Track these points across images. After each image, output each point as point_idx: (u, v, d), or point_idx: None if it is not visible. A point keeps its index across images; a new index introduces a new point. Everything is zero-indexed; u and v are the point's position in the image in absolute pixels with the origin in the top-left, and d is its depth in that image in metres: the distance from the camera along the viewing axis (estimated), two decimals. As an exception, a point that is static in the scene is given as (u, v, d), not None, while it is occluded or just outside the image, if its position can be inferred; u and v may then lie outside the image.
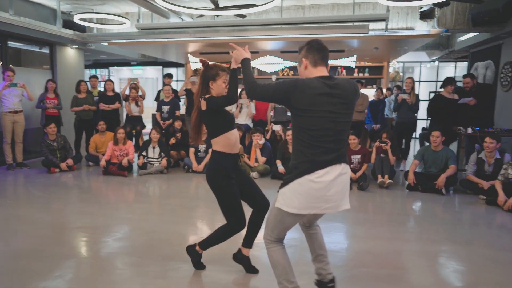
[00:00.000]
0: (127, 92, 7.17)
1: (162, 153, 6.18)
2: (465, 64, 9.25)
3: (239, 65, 2.37)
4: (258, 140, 5.99)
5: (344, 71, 10.50)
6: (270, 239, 2.20)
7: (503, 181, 4.49)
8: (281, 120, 7.14)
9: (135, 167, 6.28)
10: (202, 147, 6.23)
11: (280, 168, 5.73)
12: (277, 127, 6.43)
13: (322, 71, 2.08)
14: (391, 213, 4.34)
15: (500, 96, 6.56)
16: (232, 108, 7.05)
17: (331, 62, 9.61)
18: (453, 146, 6.36)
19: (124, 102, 7.29)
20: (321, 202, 2.00)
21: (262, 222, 2.65)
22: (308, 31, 6.77)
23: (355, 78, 10.24)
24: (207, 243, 2.74)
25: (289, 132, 5.77)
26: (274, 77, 10.36)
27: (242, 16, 6.56)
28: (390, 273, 2.77)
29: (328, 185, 1.98)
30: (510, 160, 4.61)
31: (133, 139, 7.20)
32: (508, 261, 3.00)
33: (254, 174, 5.82)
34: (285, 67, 10.15)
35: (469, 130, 5.43)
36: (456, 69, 10.60)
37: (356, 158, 5.56)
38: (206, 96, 2.54)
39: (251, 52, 8.18)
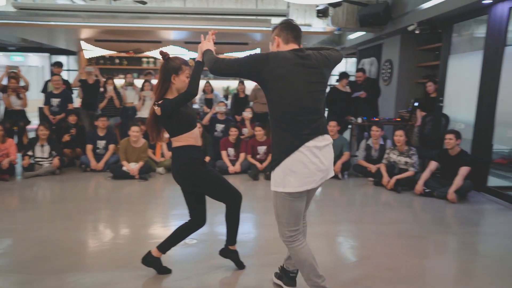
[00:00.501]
0: (4, 82, 6.31)
1: (53, 152, 5.52)
2: (354, 60, 10.21)
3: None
4: (164, 134, 5.81)
5: (247, 64, 10.75)
6: (290, 235, 2.10)
7: (386, 164, 5.12)
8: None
9: (19, 169, 5.49)
10: (101, 143, 5.83)
11: (188, 161, 5.66)
12: None
13: (294, 47, 2.06)
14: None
15: (382, 88, 7.42)
16: (134, 101, 6.73)
17: (235, 55, 9.76)
18: (346, 135, 7.02)
19: (1, 94, 6.40)
20: (314, 176, 1.99)
21: (239, 215, 2.62)
22: (212, 22, 6.76)
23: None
24: (168, 244, 2.63)
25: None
26: (177, 68, 10.13)
27: (143, 2, 6.27)
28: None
29: (316, 156, 1.98)
30: (391, 145, 5.26)
31: (15, 137, 6.28)
32: (392, 233, 3.44)
33: (160, 170, 5.66)
34: (190, 58, 9.98)
35: (359, 120, 6.06)
36: (346, 65, 11.62)
37: (262, 149, 5.78)
38: (159, 102, 2.38)
39: (153, 42, 7.85)
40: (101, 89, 6.53)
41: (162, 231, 3.50)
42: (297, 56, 1.99)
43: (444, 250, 3.23)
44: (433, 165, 4.68)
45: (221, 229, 3.49)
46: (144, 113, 6.54)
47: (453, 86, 5.47)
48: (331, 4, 6.04)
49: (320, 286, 2.13)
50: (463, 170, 4.35)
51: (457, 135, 4.48)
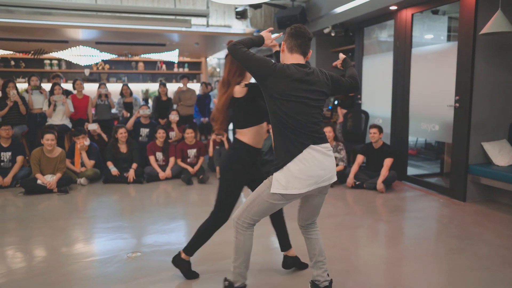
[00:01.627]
0: None
1: None
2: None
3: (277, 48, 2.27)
4: (84, 141, 5.30)
5: (164, 66, 10.38)
6: (248, 223, 2.15)
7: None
8: (104, 118, 6.53)
9: None
10: (5, 155, 5.09)
11: (114, 170, 5.25)
12: (94, 126, 5.82)
13: (298, 59, 2.09)
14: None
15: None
16: (43, 107, 6.02)
17: (150, 56, 9.35)
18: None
19: None
20: (316, 177, 2.04)
21: (211, 233, 2.51)
22: (127, 21, 6.37)
23: (175, 73, 10.28)
24: (192, 247, 2.52)
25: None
26: (87, 71, 9.35)
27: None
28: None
29: (318, 160, 2.04)
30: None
31: None
32: (330, 226, 3.59)
33: (82, 180, 5.14)
34: (101, 60, 9.28)
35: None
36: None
37: (192, 152, 5.61)
38: (246, 83, 2.29)
39: (58, 42, 7.13)
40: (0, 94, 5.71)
41: (95, 247, 3.17)
42: (300, 72, 2.03)
43: (380, 237, 3.47)
44: (360, 158, 5.02)
45: (164, 239, 3.30)
46: (55, 119, 5.88)
47: (369, 85, 5.94)
48: (252, 6, 6.11)
49: (245, 277, 2.24)
50: (388, 161, 4.74)
51: (380, 129, 4.87)
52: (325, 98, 2.14)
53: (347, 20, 5.84)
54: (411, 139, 6.94)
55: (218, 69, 11.69)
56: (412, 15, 4.91)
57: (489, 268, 2.73)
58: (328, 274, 2.30)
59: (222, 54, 10.98)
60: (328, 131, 5.18)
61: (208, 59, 11.01)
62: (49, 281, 2.56)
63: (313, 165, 2.03)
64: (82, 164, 5.35)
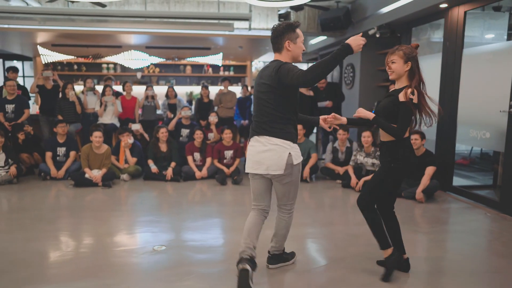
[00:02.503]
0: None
1: (9, 160, 5.22)
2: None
3: None
4: (128, 139, 5.58)
5: (210, 69, 10.64)
6: (252, 206, 2.62)
7: (354, 166, 5.17)
8: (150, 118, 6.83)
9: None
10: (61, 150, 5.50)
11: (153, 167, 5.46)
12: (137, 126, 6.08)
13: (275, 57, 2.42)
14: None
15: (345, 92, 7.56)
16: (96, 107, 6.43)
17: (197, 60, 9.62)
18: (312, 138, 7.06)
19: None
20: (252, 163, 2.43)
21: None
22: (173, 26, 6.61)
23: (221, 76, 10.49)
24: (396, 242, 2.65)
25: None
26: (139, 74, 9.84)
27: (102, 5, 6.01)
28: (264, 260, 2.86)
29: (256, 150, 2.40)
30: (358, 147, 5.33)
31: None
32: (362, 235, 3.43)
33: (124, 176, 5.40)
34: (151, 63, 9.73)
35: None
36: (309, 69, 11.79)
37: (229, 153, 5.67)
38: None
39: (113, 47, 7.58)
40: (60, 95, 6.19)
41: (127, 238, 3.31)
42: (263, 67, 2.43)
43: (416, 249, 3.25)
44: (398, 165, 4.76)
45: (190, 236, 3.37)
46: (106, 118, 6.26)
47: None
48: (293, 8, 6.07)
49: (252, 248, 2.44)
50: (429, 170, 4.45)
51: (422, 135, 4.60)
52: (271, 91, 2.31)
53: (393, 20, 5.61)
54: (465, 147, 6.49)
55: (264, 73, 11.74)
56: (465, 12, 4.60)
57: (531, 290, 2.46)
58: (278, 250, 2.68)
59: (267, 57, 11.03)
60: (367, 135, 5.01)
61: (253, 62, 11.11)
62: (78, 267, 2.71)
63: (251, 153, 2.42)
64: (126, 161, 5.62)
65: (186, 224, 3.67)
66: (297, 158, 2.39)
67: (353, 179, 4.98)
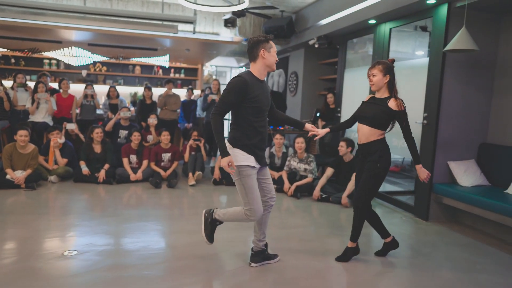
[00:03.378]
0: None
1: None
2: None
3: None
4: (58, 139, 5.37)
5: (160, 71, 10.50)
6: None
7: (288, 171, 5.31)
8: (88, 118, 6.61)
9: None
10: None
11: (84, 169, 5.29)
12: (72, 126, 5.84)
13: (251, 67, 2.65)
14: (198, 207, 4.53)
15: (289, 99, 7.75)
16: (26, 104, 6.13)
17: (145, 60, 9.46)
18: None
19: None
20: None
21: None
22: (116, 24, 6.46)
23: (171, 78, 10.39)
24: (353, 231, 3.03)
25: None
26: (84, 72, 9.50)
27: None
28: (187, 263, 2.88)
29: None
30: (292, 153, 5.48)
31: None
32: (292, 236, 3.54)
33: (52, 178, 5.18)
34: (95, 62, 9.44)
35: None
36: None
37: (166, 156, 5.62)
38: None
39: (53, 42, 7.22)
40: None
41: (38, 243, 3.16)
42: None
43: (335, 251, 3.38)
44: (329, 171, 4.96)
45: (107, 240, 3.30)
46: (38, 117, 5.97)
47: (348, 98, 5.90)
48: (235, 13, 6.16)
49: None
50: (355, 176, 4.65)
51: (348, 143, 4.81)
52: None
53: (331, 32, 5.84)
54: (398, 156, 6.85)
55: (214, 76, 11.77)
56: (390, 29, 4.88)
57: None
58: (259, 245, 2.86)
59: (218, 61, 11.07)
60: (300, 141, 5.15)
61: (204, 66, 11.10)
62: (20, 270, 2.57)
63: None
64: (56, 162, 5.40)
65: (106, 228, 3.59)
66: (241, 161, 2.56)
67: (286, 184, 5.11)
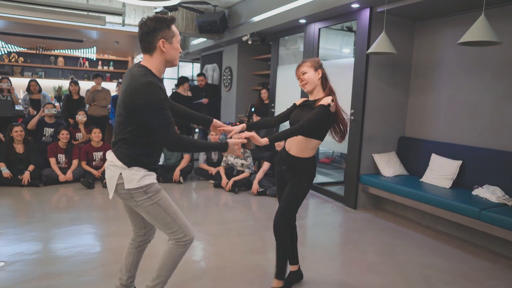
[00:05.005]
0: None
1: None
2: (199, 65, 10.46)
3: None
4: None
5: (87, 63, 9.90)
6: None
7: (225, 166, 5.39)
8: (6, 115, 6.04)
9: None
10: None
11: (5, 171, 4.87)
12: None
13: (144, 60, 1.98)
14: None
15: (224, 94, 7.80)
16: None
17: (69, 52, 8.87)
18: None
19: None
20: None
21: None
22: (35, 13, 5.96)
23: (98, 71, 9.85)
24: (279, 265, 2.52)
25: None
26: (-5, 63, 8.64)
27: None
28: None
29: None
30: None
31: None
32: (231, 232, 3.63)
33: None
34: (10, 52, 8.62)
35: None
36: (193, 69, 11.81)
37: (98, 154, 5.38)
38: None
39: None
40: None
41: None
42: (126, 72, 2.04)
43: (273, 244, 3.55)
44: (265, 165, 5.13)
45: (38, 247, 3.12)
46: None
47: (281, 93, 6.11)
48: (167, 8, 6.03)
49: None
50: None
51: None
52: (122, 106, 1.90)
53: (263, 30, 5.98)
54: (327, 149, 7.25)
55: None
56: (319, 29, 5.14)
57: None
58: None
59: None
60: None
61: (135, 58, 10.69)
62: None
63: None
64: (-30, 165, 4.90)
65: (36, 235, 3.38)
66: (132, 181, 1.94)
67: (224, 180, 5.19)
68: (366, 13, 4.32)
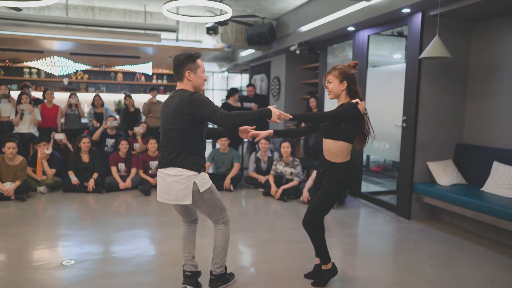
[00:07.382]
0: None
1: None
2: (248, 76, 10.69)
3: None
4: (45, 149, 5.36)
5: (142, 77, 10.50)
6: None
7: (274, 175, 5.45)
8: (73, 127, 6.60)
9: None
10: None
11: (74, 179, 5.30)
12: (60, 136, 5.88)
13: (178, 86, 2.41)
14: (186, 213, 4.63)
15: (272, 104, 7.91)
16: (10, 115, 6.08)
17: (127, 68, 9.48)
18: (242, 148, 7.27)
19: None
20: (161, 194, 2.40)
21: None
22: (98, 34, 6.50)
23: (153, 85, 10.41)
24: (321, 254, 2.69)
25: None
26: (66, 80, 9.43)
27: (17, 9, 5.74)
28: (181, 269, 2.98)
29: (160, 183, 2.39)
30: (278, 157, 5.63)
31: None
32: (280, 240, 3.67)
33: (41, 189, 5.18)
34: (77, 70, 9.38)
35: (250, 134, 6.36)
36: (242, 80, 12.09)
37: (154, 163, 5.68)
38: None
39: (34, 51, 7.22)
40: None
41: (35, 254, 3.21)
42: (168, 97, 2.42)
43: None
44: (314, 174, 5.11)
45: (103, 248, 3.36)
46: (22, 128, 5.94)
47: (330, 102, 6.09)
48: (218, 23, 6.28)
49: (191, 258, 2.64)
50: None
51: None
52: (173, 121, 2.31)
53: (311, 39, 6.02)
54: (379, 157, 7.08)
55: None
56: (368, 36, 5.09)
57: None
58: (220, 267, 2.62)
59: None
60: (286, 146, 5.30)
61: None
62: (12, 282, 2.61)
63: (159, 186, 2.42)
64: (44, 173, 5.39)
65: (101, 237, 3.65)
66: (204, 185, 2.36)
67: (273, 188, 5.25)
68: (418, 17, 4.22)
